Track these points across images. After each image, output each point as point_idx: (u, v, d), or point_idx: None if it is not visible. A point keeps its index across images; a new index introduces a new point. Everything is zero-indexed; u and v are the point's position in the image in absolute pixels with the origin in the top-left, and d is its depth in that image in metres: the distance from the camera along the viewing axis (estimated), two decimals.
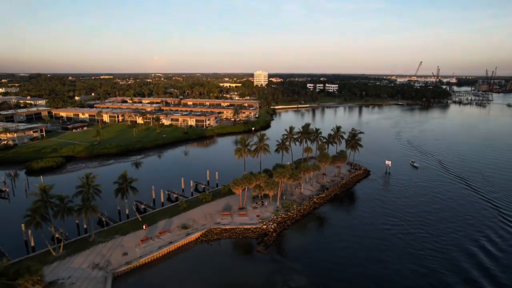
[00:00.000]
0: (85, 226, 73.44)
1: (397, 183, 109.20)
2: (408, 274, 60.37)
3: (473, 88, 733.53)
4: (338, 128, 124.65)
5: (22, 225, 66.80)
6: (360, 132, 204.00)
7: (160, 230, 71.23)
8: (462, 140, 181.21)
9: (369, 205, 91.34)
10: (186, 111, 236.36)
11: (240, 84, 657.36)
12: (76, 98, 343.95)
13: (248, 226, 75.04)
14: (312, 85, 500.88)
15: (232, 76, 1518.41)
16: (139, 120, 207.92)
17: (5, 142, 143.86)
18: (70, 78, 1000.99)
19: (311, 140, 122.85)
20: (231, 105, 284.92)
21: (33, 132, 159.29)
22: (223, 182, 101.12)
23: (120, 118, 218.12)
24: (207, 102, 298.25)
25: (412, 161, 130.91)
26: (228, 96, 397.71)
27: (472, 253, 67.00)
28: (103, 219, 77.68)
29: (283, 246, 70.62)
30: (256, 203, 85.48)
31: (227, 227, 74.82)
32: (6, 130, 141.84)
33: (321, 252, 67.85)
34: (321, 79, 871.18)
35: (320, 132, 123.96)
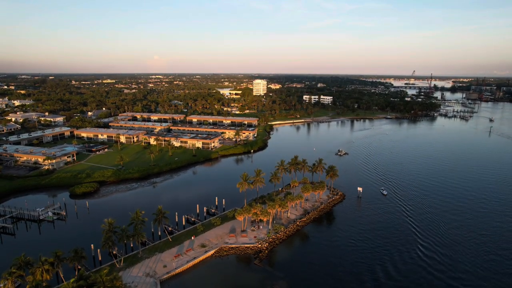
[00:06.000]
0: (132, 245, 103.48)
1: (364, 208, 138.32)
2: (346, 279, 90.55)
3: (464, 96, 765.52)
4: (321, 160, 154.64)
5: (92, 244, 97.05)
6: (345, 153, 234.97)
7: (187, 249, 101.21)
8: (424, 164, 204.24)
9: (337, 227, 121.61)
10: (193, 131, 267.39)
11: (240, 91, 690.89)
12: (89, 113, 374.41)
13: (248, 245, 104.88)
14: (308, 96, 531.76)
15: (231, 78, 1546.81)
16: (152, 141, 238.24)
17: (47, 167, 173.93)
18: (73, 82, 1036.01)
19: (300, 169, 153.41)
20: (232, 122, 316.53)
21: (67, 157, 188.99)
22: (229, 206, 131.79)
23: (135, 139, 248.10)
24: (210, 119, 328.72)
25: (381, 189, 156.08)
26: (229, 109, 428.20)
27: (385, 266, 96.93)
28: (144, 239, 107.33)
29: (273, 260, 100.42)
30: (254, 227, 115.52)
31: (233, 245, 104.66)
32: (48, 158, 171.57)
33: (299, 264, 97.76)
34: (319, 85, 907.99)
35: (306, 162, 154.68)
